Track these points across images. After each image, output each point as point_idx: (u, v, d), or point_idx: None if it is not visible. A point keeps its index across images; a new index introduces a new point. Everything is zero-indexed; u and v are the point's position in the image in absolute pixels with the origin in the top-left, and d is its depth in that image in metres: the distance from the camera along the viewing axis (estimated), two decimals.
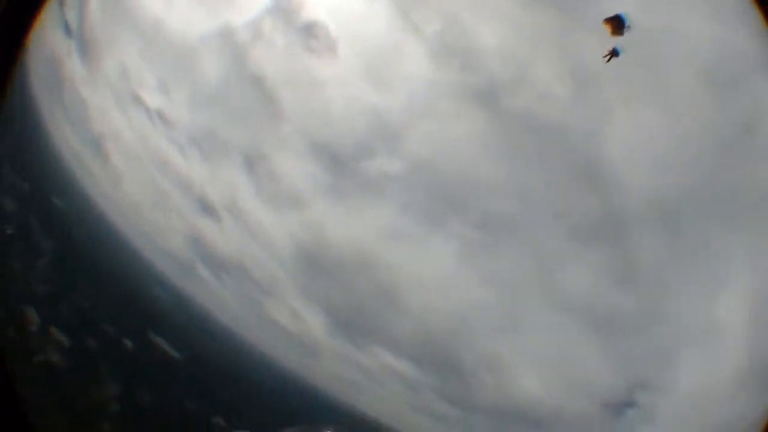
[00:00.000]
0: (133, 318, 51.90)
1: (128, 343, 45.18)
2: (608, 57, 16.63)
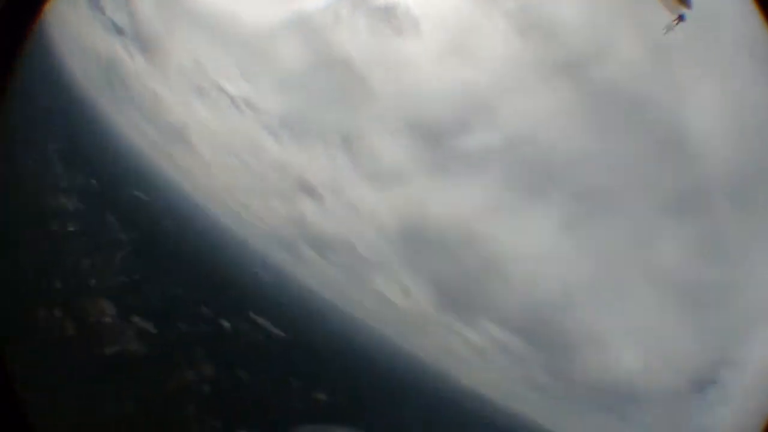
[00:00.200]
0: (233, 300, 51.98)
1: (227, 325, 45.21)
2: (675, 22, 15.50)
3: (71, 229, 41.35)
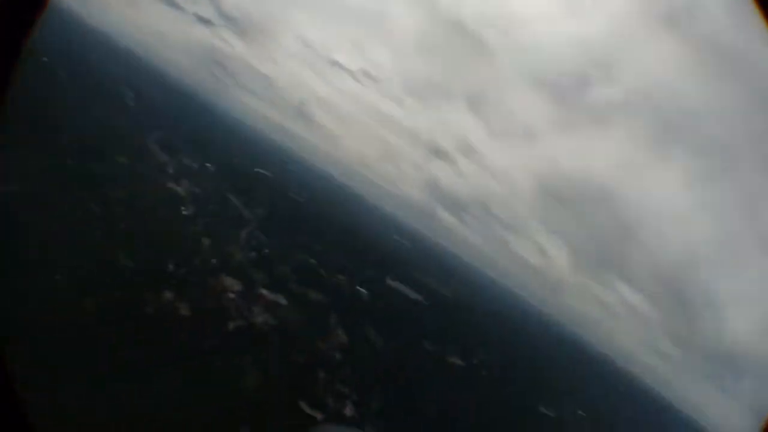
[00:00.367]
0: (370, 267, 51.06)
1: (363, 291, 43.24)
2: None
3: (185, 213, 40.78)
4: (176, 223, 39.74)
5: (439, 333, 40.96)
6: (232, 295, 34.47)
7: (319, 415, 26.70)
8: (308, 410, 26.61)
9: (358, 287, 44.11)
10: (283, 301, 37.88)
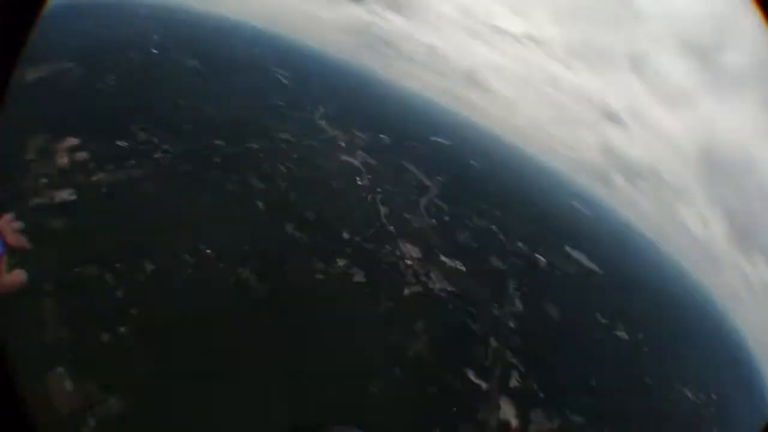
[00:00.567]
0: (548, 234, 48.79)
1: (541, 259, 40.81)
2: None
3: (361, 183, 41.27)
4: (351, 193, 41.30)
5: (610, 305, 38.83)
6: (409, 262, 34.62)
7: (483, 385, 25.41)
8: (474, 378, 25.63)
9: (536, 254, 42.60)
10: (461, 267, 36.48)
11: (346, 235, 33.10)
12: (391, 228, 37.71)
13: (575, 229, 56.26)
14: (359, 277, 29.89)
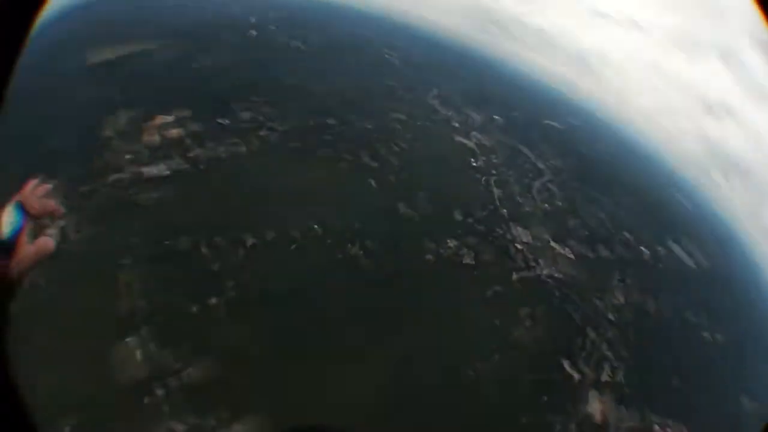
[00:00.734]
0: (653, 226, 48.05)
1: (645, 252, 40.35)
2: None
3: (475, 164, 42.14)
4: (465, 174, 42.02)
5: (701, 305, 37.92)
6: (520, 246, 35.22)
7: (576, 376, 26.22)
8: (568, 369, 26.51)
9: (641, 246, 42.11)
10: (570, 255, 36.41)
11: (458, 217, 34.26)
12: (504, 211, 38.06)
13: (678, 223, 54.85)
14: (469, 259, 30.98)
